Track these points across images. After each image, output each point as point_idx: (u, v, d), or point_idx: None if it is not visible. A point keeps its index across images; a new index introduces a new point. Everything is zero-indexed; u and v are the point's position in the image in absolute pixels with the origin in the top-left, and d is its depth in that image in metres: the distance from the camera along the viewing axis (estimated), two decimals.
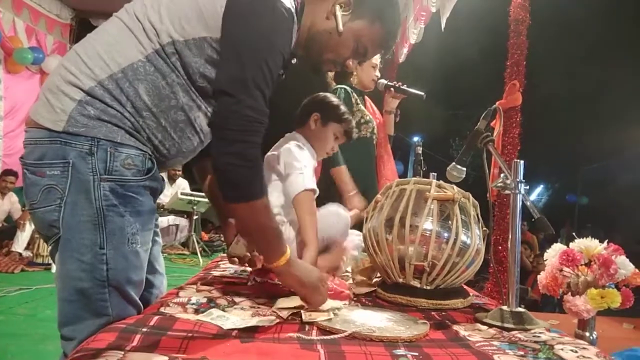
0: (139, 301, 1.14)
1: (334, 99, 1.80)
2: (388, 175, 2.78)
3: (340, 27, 1.21)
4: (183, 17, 1.08)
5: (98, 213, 1.04)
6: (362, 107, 2.65)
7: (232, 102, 1.03)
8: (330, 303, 1.19)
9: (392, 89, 2.67)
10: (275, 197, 1.57)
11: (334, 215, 1.62)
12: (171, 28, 1.08)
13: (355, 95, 2.61)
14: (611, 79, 10.96)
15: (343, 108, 1.78)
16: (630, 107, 11.00)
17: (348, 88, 2.58)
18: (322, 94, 1.82)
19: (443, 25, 3.44)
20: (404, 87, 2.66)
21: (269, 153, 1.68)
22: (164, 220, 5.96)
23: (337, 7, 1.21)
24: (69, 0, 6.99)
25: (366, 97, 2.80)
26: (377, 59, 2.63)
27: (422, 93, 2.62)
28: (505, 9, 2.74)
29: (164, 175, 6.39)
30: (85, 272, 1.04)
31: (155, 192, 1.17)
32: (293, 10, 1.14)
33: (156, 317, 1.02)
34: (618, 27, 10.21)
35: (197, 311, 1.11)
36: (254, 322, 1.03)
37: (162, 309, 1.11)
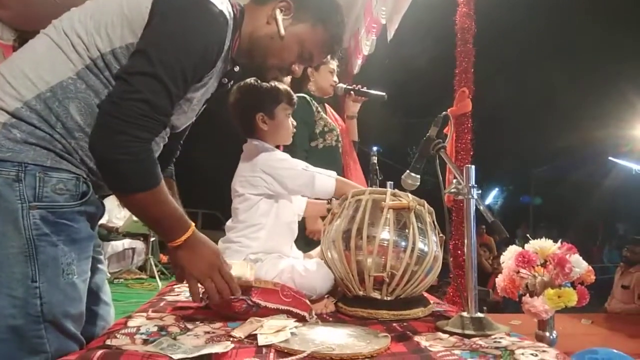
0: (80, 335, 1.06)
1: (256, 83, 1.63)
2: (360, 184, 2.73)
3: (282, 31, 1.18)
4: (109, 25, 1.03)
5: (28, 244, 0.96)
6: (324, 115, 2.59)
7: (127, 90, 0.98)
8: (280, 322, 1.15)
9: (352, 92, 2.65)
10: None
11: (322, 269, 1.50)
12: (98, 39, 1.03)
13: (316, 103, 2.55)
14: (557, 82, 11.46)
15: (271, 85, 1.64)
16: (576, 108, 11.53)
17: (307, 96, 2.53)
18: (242, 85, 1.63)
19: (390, 37, 3.48)
20: (364, 89, 2.64)
21: (241, 175, 1.60)
22: (119, 245, 5.74)
23: (277, 11, 1.19)
24: (11, 21, 6.71)
25: (326, 104, 2.75)
26: (334, 64, 2.60)
27: (383, 93, 2.60)
28: (452, 18, 2.80)
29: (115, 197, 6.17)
30: (17, 308, 0.96)
31: (93, 218, 1.10)
32: (229, 15, 1.11)
33: (100, 351, 0.95)
34: (562, 31, 10.71)
35: (146, 341, 1.04)
36: (207, 350, 0.97)
37: (108, 342, 1.04)
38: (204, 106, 1.31)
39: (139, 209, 1.06)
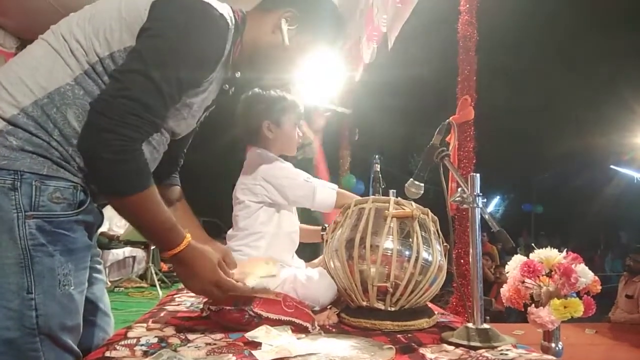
0: (76, 348, 1.03)
1: (264, 92, 1.62)
2: None
3: (287, 41, 1.17)
4: (107, 29, 1.02)
5: (24, 254, 0.95)
6: (305, 128, 2.60)
7: (117, 88, 0.96)
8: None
9: (319, 108, 2.68)
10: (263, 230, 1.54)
11: (325, 279, 1.49)
12: (96, 43, 1.02)
13: None
14: (558, 90, 11.47)
15: (280, 94, 1.64)
16: (578, 116, 11.54)
17: None
18: (252, 94, 1.63)
19: (390, 45, 3.48)
20: (331, 105, 2.67)
21: (243, 183, 1.59)
22: (120, 253, 5.71)
23: (283, 20, 1.18)
24: (13, 29, 6.74)
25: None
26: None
27: (348, 110, 2.64)
28: (454, 26, 2.80)
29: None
30: (12, 320, 0.94)
31: (91, 227, 1.08)
32: (230, 20, 1.11)
33: None
34: (563, 39, 10.72)
35: (146, 353, 1.03)
36: None
37: (107, 353, 1.02)
38: (205, 114, 1.29)
39: (128, 214, 1.03)
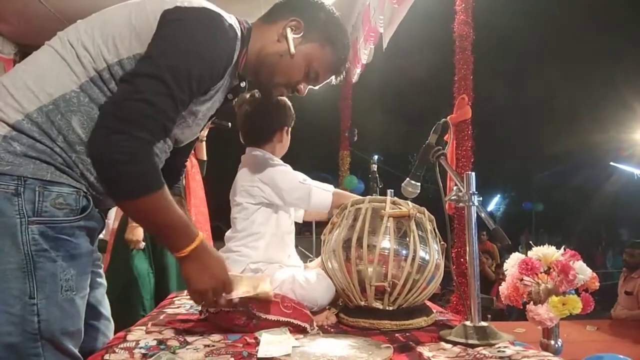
0: (77, 353, 1.04)
1: (282, 99, 1.63)
2: (198, 205, 2.82)
3: (292, 49, 1.17)
4: (117, 36, 1.03)
5: (27, 259, 0.95)
6: None
7: (130, 91, 0.96)
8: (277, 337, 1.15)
9: None
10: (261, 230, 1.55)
11: (323, 281, 1.49)
12: (105, 50, 1.02)
13: None
14: (556, 88, 11.48)
15: (285, 100, 1.67)
16: (577, 113, 11.55)
17: None
18: (278, 101, 1.64)
19: (385, 46, 3.48)
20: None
21: (240, 185, 1.60)
22: None
23: (288, 29, 1.18)
24: (11, 35, 6.74)
25: None
26: None
27: (228, 123, 2.64)
28: (450, 26, 2.80)
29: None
30: (14, 325, 0.94)
31: (93, 233, 1.09)
32: (238, 31, 1.12)
33: None
34: (560, 37, 10.73)
35: (145, 356, 1.03)
36: None
37: (106, 357, 1.03)
38: (209, 122, 1.31)
39: (140, 216, 1.03)
